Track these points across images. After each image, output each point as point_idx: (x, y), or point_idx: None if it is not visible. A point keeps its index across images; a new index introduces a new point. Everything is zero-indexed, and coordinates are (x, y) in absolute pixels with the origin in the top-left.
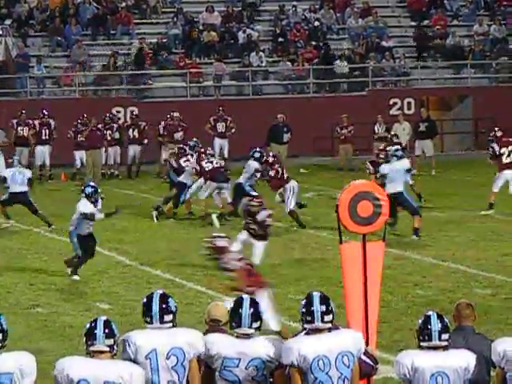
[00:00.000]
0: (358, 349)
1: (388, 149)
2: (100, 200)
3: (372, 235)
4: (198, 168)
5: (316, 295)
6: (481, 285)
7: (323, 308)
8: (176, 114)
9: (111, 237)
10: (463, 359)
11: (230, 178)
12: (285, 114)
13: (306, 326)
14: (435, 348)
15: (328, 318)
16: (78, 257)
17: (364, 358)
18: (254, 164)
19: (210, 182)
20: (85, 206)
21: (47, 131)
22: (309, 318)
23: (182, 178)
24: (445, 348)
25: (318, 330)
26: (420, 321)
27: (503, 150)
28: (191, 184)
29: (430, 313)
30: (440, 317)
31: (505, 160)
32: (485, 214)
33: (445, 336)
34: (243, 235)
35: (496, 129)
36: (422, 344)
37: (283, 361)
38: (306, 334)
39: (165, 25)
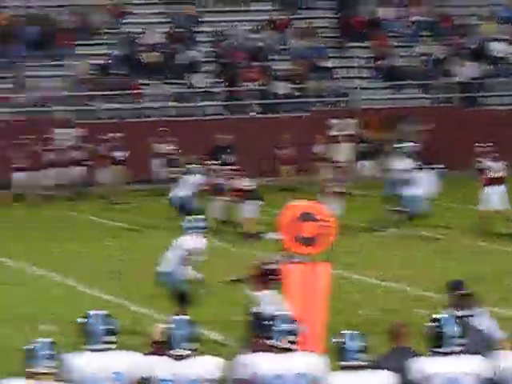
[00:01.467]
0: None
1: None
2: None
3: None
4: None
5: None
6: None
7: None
8: (118, 135)
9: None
10: (385, 379)
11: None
12: (228, 135)
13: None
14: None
15: (291, 338)
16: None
17: None
18: None
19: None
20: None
21: None
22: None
23: None
24: (363, 367)
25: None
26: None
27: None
28: None
29: (346, 332)
30: (356, 337)
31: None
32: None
33: (361, 356)
34: None
35: None
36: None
37: (234, 375)
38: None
39: (107, 46)
